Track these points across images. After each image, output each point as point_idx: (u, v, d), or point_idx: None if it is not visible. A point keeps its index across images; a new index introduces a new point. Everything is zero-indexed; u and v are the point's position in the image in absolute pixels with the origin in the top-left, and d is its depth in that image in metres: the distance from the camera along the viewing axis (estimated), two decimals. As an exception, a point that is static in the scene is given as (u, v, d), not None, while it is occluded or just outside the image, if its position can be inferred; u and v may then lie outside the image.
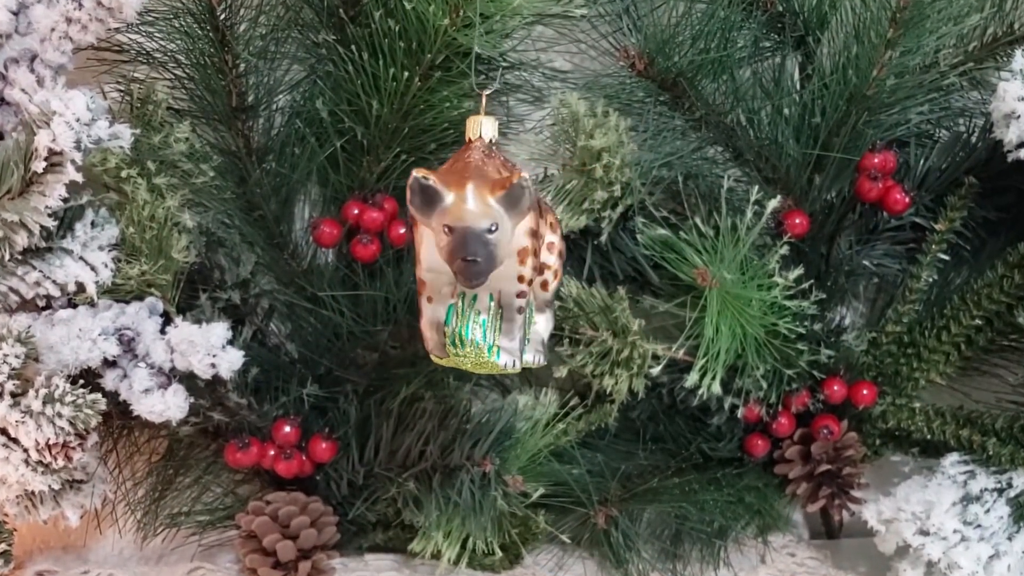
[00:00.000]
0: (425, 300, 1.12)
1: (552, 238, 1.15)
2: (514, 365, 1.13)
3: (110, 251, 1.26)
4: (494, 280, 1.08)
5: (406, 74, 1.33)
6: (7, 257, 1.21)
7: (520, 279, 1.09)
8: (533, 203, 1.07)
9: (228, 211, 1.42)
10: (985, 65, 1.48)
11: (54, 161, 1.15)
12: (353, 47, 1.36)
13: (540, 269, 1.14)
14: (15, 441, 1.20)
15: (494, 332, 1.12)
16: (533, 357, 1.17)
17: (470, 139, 1.12)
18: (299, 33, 1.44)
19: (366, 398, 1.46)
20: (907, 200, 1.44)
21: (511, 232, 1.05)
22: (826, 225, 1.48)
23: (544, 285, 1.16)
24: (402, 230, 1.41)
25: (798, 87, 1.49)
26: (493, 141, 1.12)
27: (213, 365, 1.24)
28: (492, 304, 1.11)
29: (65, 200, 1.18)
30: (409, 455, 1.41)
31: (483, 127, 1.12)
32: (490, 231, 1.04)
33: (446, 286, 1.11)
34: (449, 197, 1.03)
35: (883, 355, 1.51)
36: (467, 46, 1.29)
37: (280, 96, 1.44)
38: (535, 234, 1.08)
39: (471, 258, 1.03)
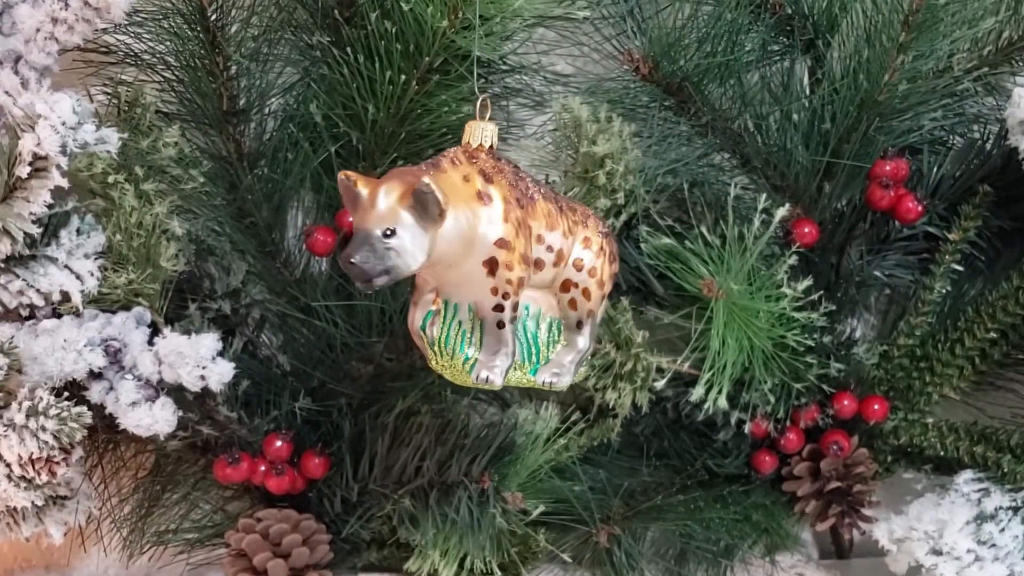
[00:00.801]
0: (412, 303, 1.12)
1: (583, 254, 1.15)
2: (487, 381, 1.12)
3: (96, 259, 1.25)
4: (467, 290, 1.10)
5: (403, 77, 1.32)
6: (-10, 265, 1.20)
7: (494, 291, 1.09)
8: (511, 211, 1.08)
9: (218, 218, 1.42)
10: (1000, 70, 1.48)
11: (39, 166, 1.15)
12: (348, 49, 1.35)
13: (566, 287, 1.16)
14: (-3, 456, 1.20)
15: (473, 344, 1.13)
16: (545, 379, 1.17)
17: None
18: (292, 35, 1.44)
19: (360, 412, 1.46)
20: (920, 209, 1.43)
21: (428, 239, 1.04)
22: (836, 234, 1.48)
23: (572, 304, 1.16)
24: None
25: (807, 92, 1.49)
26: (484, 146, 1.12)
27: (202, 377, 1.23)
28: (472, 315, 1.11)
29: (50, 206, 1.18)
30: (405, 471, 1.41)
31: (471, 132, 1.12)
32: (385, 235, 1.03)
33: (429, 292, 1.12)
34: (363, 196, 1.04)
35: (895, 369, 1.50)
36: (466, 49, 1.29)
37: (273, 99, 1.44)
38: (508, 245, 1.08)
39: (351, 260, 1.03)
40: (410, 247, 1.03)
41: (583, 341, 1.18)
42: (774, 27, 1.48)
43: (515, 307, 1.11)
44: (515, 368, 1.15)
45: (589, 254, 1.15)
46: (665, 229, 1.37)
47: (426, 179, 1.02)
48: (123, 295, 1.27)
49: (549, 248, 1.12)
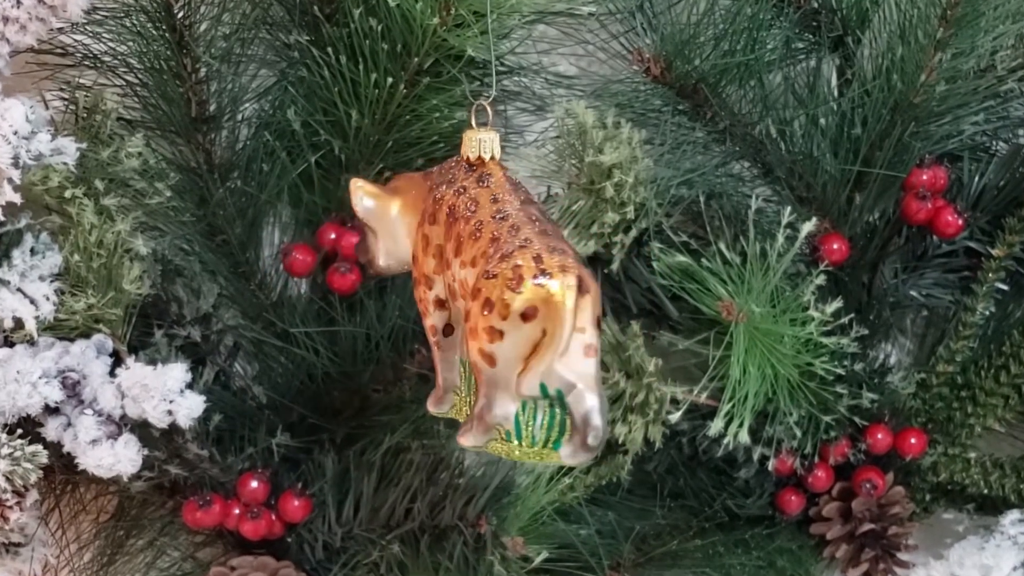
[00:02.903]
0: None
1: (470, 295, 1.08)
2: (428, 402, 1.16)
3: (52, 282, 1.25)
4: None
5: (389, 80, 1.32)
6: (-66, 289, 1.20)
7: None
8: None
9: (187, 236, 1.42)
10: (1048, 69, 1.48)
11: (-12, 180, 1.15)
12: (329, 49, 1.35)
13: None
14: (-56, 500, 1.20)
15: None
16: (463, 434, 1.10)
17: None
18: (268, 33, 1.44)
19: (344, 449, 1.46)
20: (960, 222, 1.43)
21: (391, 237, 1.17)
22: (868, 251, 1.48)
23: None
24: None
25: (836, 94, 1.49)
26: (480, 157, 1.12)
27: (170, 412, 1.23)
28: None
29: (1, 224, 1.18)
30: (393, 514, 1.41)
31: (465, 143, 1.13)
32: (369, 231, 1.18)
33: None
34: None
35: (933, 399, 1.50)
36: (459, 48, 1.28)
37: (246, 105, 1.44)
38: (415, 260, 1.14)
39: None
40: (378, 245, 1.17)
41: (479, 399, 1.07)
42: (799, 23, 1.48)
43: (432, 330, 1.13)
44: (461, 403, 1.15)
45: (476, 306, 1.05)
46: (679, 246, 1.37)
47: (353, 179, 1.17)
48: (82, 321, 1.27)
49: (453, 276, 1.10)
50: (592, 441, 1.04)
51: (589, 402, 1.03)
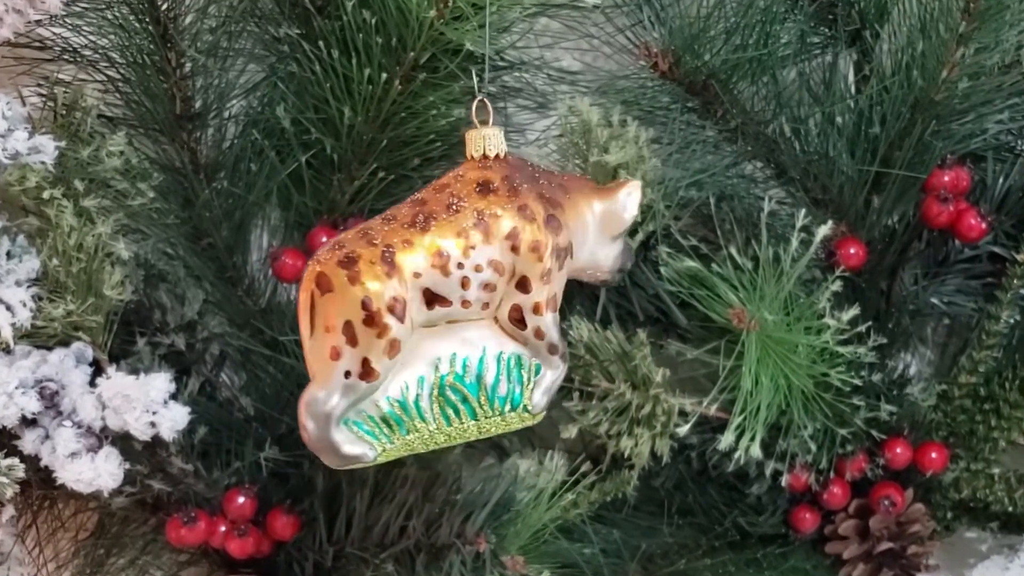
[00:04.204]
0: None
1: None
2: None
3: (29, 287, 1.25)
4: None
5: (384, 75, 1.32)
6: (-95, 295, 1.20)
7: None
8: None
9: (171, 239, 1.42)
10: (1077, 64, 1.48)
11: (-38, 180, 1.15)
12: (321, 43, 1.35)
13: None
14: (-85, 516, 1.20)
15: None
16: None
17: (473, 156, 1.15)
18: (256, 27, 1.44)
19: (336, 463, 1.46)
20: (983, 226, 1.43)
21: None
22: (887, 256, 1.48)
23: None
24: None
25: (853, 91, 1.49)
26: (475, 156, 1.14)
27: (152, 424, 1.23)
28: None
29: (-25, 226, 1.18)
30: (388, 531, 1.41)
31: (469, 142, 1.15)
32: None
33: None
34: None
35: (955, 411, 1.50)
36: (457, 43, 1.28)
37: (234, 102, 1.44)
38: None
39: None
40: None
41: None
42: (814, 16, 1.48)
43: None
44: None
45: None
46: (688, 250, 1.37)
47: None
48: (61, 329, 1.27)
49: None
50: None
51: (307, 395, 1.17)
